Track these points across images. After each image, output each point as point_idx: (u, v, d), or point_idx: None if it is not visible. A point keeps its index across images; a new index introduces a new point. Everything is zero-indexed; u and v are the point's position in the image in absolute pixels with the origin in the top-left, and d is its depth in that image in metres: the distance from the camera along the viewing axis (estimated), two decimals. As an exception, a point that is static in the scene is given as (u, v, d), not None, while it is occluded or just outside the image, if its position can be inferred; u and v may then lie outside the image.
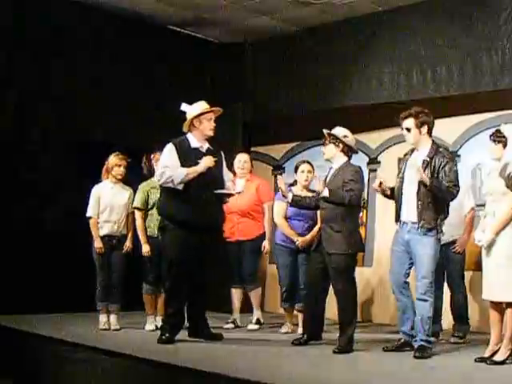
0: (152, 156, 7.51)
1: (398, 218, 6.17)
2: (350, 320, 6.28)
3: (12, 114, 8.33)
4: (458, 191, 5.94)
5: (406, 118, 6.11)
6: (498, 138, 5.73)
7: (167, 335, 6.45)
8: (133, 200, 7.43)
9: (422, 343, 5.87)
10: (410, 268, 6.09)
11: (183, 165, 6.45)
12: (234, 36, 9.84)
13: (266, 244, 7.69)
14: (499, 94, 7.75)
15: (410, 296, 6.11)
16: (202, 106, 6.69)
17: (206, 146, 6.67)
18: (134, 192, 7.46)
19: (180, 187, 6.40)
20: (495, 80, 7.59)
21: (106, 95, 8.96)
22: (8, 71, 8.27)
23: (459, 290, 6.82)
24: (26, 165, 8.34)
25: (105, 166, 7.46)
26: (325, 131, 6.51)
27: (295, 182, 7.34)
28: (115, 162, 7.40)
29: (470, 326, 6.84)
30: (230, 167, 7.36)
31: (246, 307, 8.03)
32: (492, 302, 5.70)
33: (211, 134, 6.66)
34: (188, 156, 6.50)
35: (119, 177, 7.43)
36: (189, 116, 6.62)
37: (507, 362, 5.51)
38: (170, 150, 6.53)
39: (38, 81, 8.47)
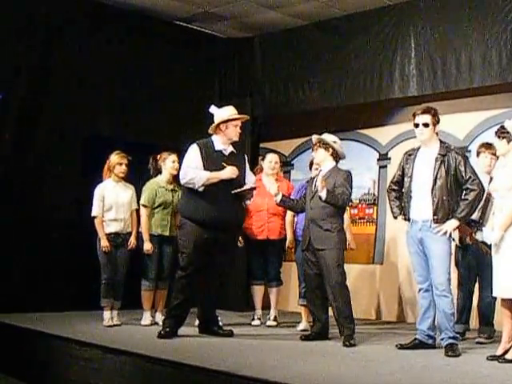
0: (158, 156, 7.56)
1: (406, 217, 6.12)
2: (349, 313, 6.46)
3: (17, 110, 8.30)
4: (479, 184, 5.88)
5: (424, 113, 6.05)
6: (502, 133, 5.69)
7: (167, 329, 6.54)
8: (137, 197, 7.48)
9: (451, 341, 5.87)
10: None
11: (206, 167, 6.56)
12: (242, 31, 9.80)
13: (288, 242, 7.67)
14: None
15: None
16: (230, 111, 6.77)
17: (230, 149, 6.77)
18: (136, 189, 7.49)
19: (201, 189, 6.50)
20: (503, 73, 7.53)
21: (113, 91, 8.94)
22: (11, 69, 8.24)
23: (490, 290, 6.67)
24: (28, 163, 8.32)
25: (106, 165, 7.48)
26: (314, 137, 6.76)
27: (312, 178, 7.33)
28: (117, 161, 7.42)
29: (494, 328, 6.72)
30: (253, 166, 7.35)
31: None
32: (503, 299, 5.65)
33: (236, 139, 6.77)
34: (211, 158, 6.60)
35: (121, 175, 7.46)
36: (217, 119, 6.70)
37: None
38: (194, 150, 6.63)
39: (41, 77, 8.45)
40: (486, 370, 5.23)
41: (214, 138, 6.73)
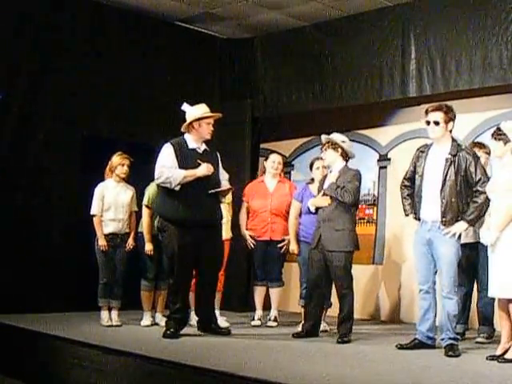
0: None
1: (417, 216, 6.08)
2: (351, 312, 6.59)
3: (17, 110, 8.30)
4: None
5: (435, 110, 5.95)
6: (499, 135, 5.68)
7: (172, 330, 6.57)
8: (137, 199, 7.52)
9: (451, 341, 5.87)
10: (435, 266, 6.02)
11: (180, 165, 6.53)
12: (242, 32, 9.79)
13: (291, 245, 7.62)
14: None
15: (435, 297, 6.07)
16: (203, 109, 6.74)
17: (203, 147, 6.77)
18: (137, 190, 7.53)
19: (177, 188, 6.48)
20: (504, 75, 7.53)
21: (113, 91, 8.93)
22: (11, 68, 8.24)
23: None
24: (28, 163, 8.31)
25: (108, 166, 7.52)
26: (323, 137, 6.75)
27: (312, 179, 7.35)
28: (119, 162, 7.45)
29: (494, 328, 6.73)
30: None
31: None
32: (499, 300, 5.66)
33: (209, 137, 6.75)
34: (185, 157, 6.59)
35: (123, 176, 7.49)
36: (189, 117, 6.70)
37: None
38: (168, 149, 6.61)
39: (41, 77, 8.45)
40: (485, 370, 5.24)
41: (187, 136, 6.71)
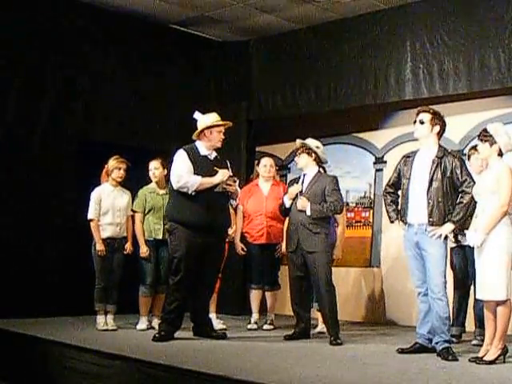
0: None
1: (404, 220, 6.09)
2: (335, 311, 6.71)
3: (13, 113, 8.28)
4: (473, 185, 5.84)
5: (424, 111, 6.08)
6: (485, 136, 5.69)
7: (162, 333, 6.62)
8: (132, 203, 7.52)
9: (446, 344, 5.86)
10: None
11: (195, 171, 6.63)
12: (237, 34, 9.79)
13: (282, 246, 7.70)
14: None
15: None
16: (214, 117, 6.84)
17: (214, 154, 6.87)
18: (132, 195, 7.55)
19: (193, 193, 6.56)
20: (502, 78, 7.53)
21: (107, 95, 8.91)
22: (9, 71, 8.24)
23: None
24: (25, 166, 8.27)
25: (104, 169, 7.52)
26: (298, 142, 6.94)
27: None
28: (115, 166, 7.46)
29: None
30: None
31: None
32: (486, 302, 5.65)
33: (219, 145, 6.85)
34: (198, 163, 6.69)
35: (119, 180, 7.51)
36: (200, 125, 6.77)
37: (497, 361, 5.47)
38: (182, 156, 6.70)
39: (38, 80, 8.45)
40: (481, 373, 5.23)
41: (198, 143, 6.81)
